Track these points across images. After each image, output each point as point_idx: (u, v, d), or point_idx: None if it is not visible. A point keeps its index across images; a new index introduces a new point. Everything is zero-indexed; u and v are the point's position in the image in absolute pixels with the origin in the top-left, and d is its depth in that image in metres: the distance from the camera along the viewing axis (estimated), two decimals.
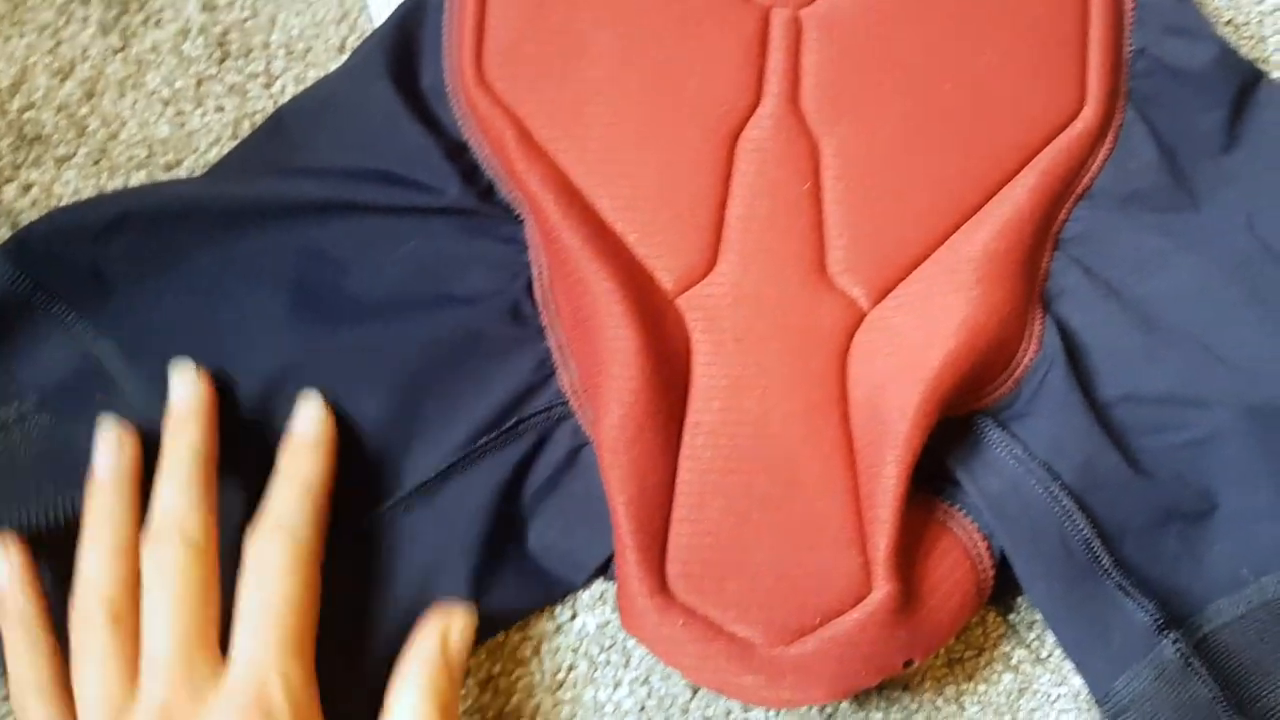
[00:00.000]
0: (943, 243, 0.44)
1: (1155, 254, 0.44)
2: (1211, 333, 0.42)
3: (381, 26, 0.49)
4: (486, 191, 0.46)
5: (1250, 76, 0.46)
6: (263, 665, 0.36)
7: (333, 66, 0.52)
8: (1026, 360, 0.43)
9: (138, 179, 0.51)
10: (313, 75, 0.53)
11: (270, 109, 0.53)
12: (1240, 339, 0.42)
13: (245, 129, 0.52)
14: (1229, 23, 0.51)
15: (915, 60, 0.45)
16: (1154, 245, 0.44)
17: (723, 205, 0.45)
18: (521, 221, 0.46)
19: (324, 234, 0.45)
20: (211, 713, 0.36)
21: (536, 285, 0.45)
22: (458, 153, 0.46)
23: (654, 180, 0.45)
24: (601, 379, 0.42)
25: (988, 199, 0.45)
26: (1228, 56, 0.45)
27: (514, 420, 0.43)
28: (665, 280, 0.44)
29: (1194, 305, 0.43)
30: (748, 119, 0.45)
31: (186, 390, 0.41)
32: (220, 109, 0.53)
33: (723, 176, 0.45)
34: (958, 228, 0.44)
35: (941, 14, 0.45)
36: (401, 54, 0.48)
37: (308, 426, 0.41)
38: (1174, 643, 0.39)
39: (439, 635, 0.38)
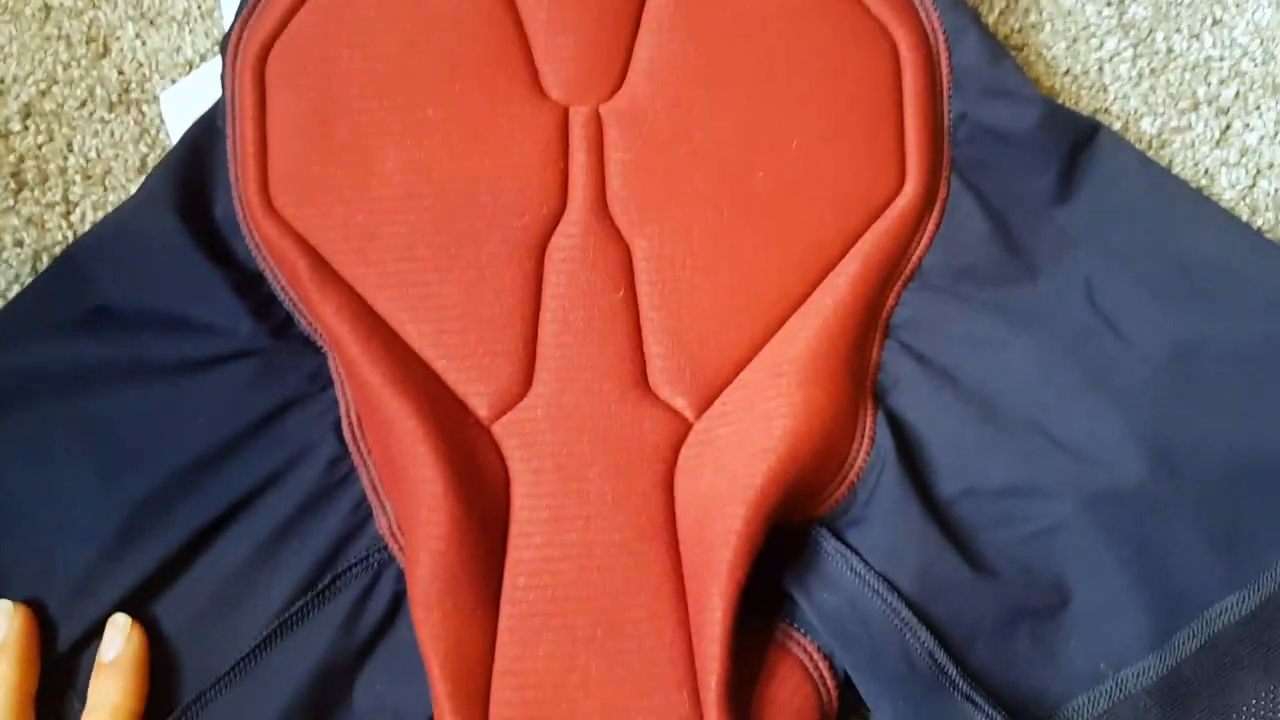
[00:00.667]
0: (766, 342, 0.42)
1: (990, 336, 0.42)
2: (1051, 418, 0.40)
3: (172, 150, 0.46)
4: (284, 325, 0.44)
5: (1084, 132, 0.44)
6: None
7: (134, 188, 0.49)
8: (859, 462, 0.41)
9: None
10: (113, 200, 0.50)
11: (70, 239, 0.50)
12: (1080, 424, 0.40)
13: (44, 263, 0.49)
14: (1067, 73, 0.49)
15: (724, 151, 0.43)
16: (988, 327, 0.42)
17: (535, 321, 0.42)
18: (325, 354, 0.43)
19: (115, 407, 0.42)
20: None
21: (345, 422, 0.42)
22: (251, 286, 0.44)
23: (460, 301, 0.42)
24: (411, 523, 0.39)
25: (811, 290, 0.43)
26: (1055, 115, 0.43)
27: (329, 577, 0.40)
28: (479, 407, 0.41)
29: (1032, 389, 0.41)
30: (554, 227, 0.43)
31: None
32: (19, 243, 0.50)
33: (532, 291, 0.43)
34: (781, 323, 0.42)
35: (748, 101, 0.43)
36: (192, 182, 0.45)
37: (113, 652, 0.39)
38: None
39: None
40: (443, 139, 0.43)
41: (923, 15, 0.43)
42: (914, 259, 0.43)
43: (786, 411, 0.40)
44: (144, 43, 0.52)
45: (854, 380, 0.41)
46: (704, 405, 0.41)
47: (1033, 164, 0.44)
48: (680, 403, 0.41)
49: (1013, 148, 0.44)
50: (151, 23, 0.53)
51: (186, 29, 0.52)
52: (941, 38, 0.43)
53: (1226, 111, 0.48)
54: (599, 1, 0.43)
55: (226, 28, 0.51)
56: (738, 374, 0.42)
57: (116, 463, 0.41)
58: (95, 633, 0.40)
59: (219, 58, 0.50)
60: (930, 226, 0.44)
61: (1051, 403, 0.41)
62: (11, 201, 0.51)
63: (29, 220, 0.50)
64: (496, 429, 0.41)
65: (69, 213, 0.50)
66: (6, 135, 0.51)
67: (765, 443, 0.39)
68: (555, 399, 0.41)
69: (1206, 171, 0.48)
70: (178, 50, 0.52)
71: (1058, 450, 0.40)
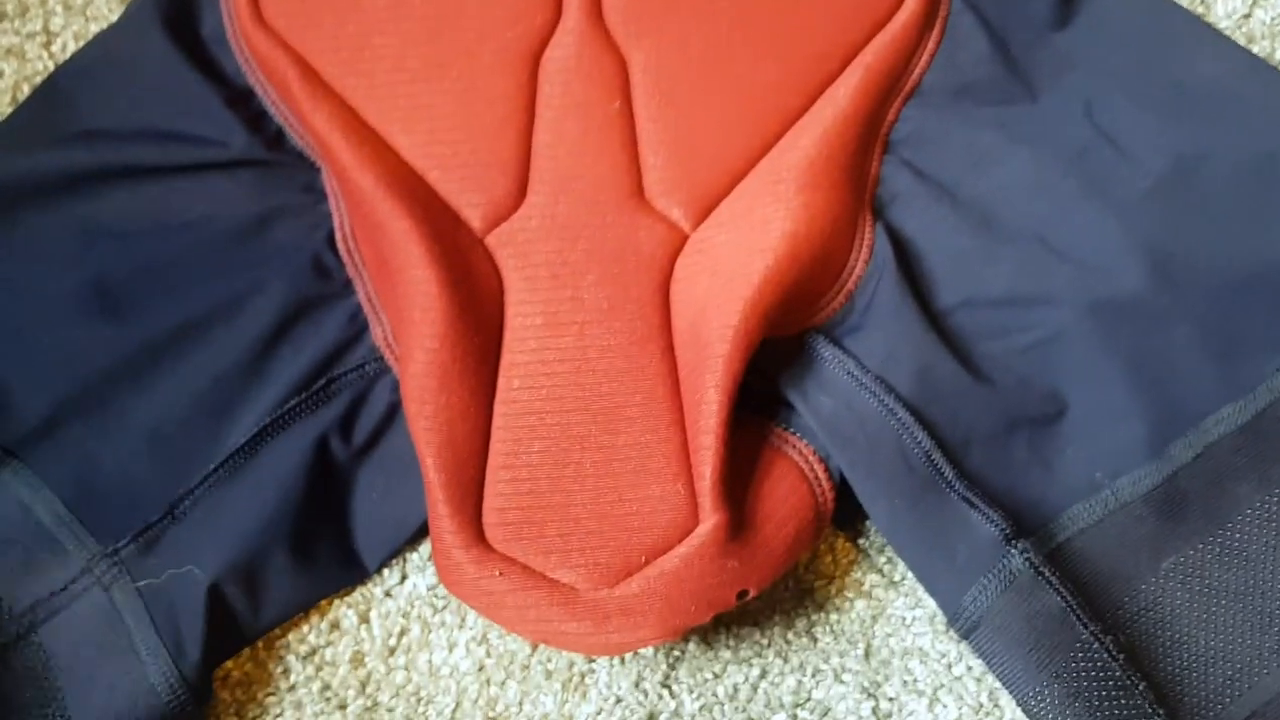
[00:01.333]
0: (765, 154, 0.41)
1: (989, 150, 0.41)
2: (1050, 228, 0.40)
3: None
4: (276, 139, 0.43)
5: None
6: None
7: (115, 18, 0.48)
8: (857, 272, 0.40)
9: None
10: (94, 29, 0.49)
11: (51, 69, 0.49)
12: (1079, 233, 0.40)
13: (25, 93, 0.48)
14: None
15: None
16: (988, 141, 0.41)
17: (528, 132, 0.42)
18: (319, 168, 0.42)
19: (105, 206, 0.41)
20: None
21: (339, 235, 0.42)
22: (242, 101, 0.43)
23: (451, 112, 0.41)
24: (405, 325, 0.39)
25: (810, 103, 0.42)
26: None
27: (324, 380, 0.40)
28: (472, 218, 0.41)
29: (1031, 200, 0.41)
30: (548, 38, 0.42)
31: None
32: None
33: (526, 102, 0.42)
34: (780, 136, 0.42)
35: None
36: (177, 1, 0.44)
37: None
38: (1022, 553, 0.37)
39: None
40: None
41: None
42: (914, 75, 0.43)
43: (784, 215, 0.39)
44: None
45: (853, 190, 0.41)
46: (701, 216, 0.41)
47: None
48: (677, 213, 0.41)
49: None
50: None
51: None
52: None
53: None
54: None
55: None
56: (735, 185, 0.41)
57: (103, 249, 0.40)
58: (71, 411, 0.39)
59: None
60: (931, 44, 0.43)
61: (1050, 213, 0.40)
62: None
63: (8, 51, 0.49)
64: (490, 239, 0.41)
65: (49, 43, 0.49)
66: None
67: (763, 244, 0.39)
68: (549, 209, 0.41)
69: (1204, 0, 0.47)
70: None
71: (1056, 259, 0.40)
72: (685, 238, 0.41)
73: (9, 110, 0.47)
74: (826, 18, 0.42)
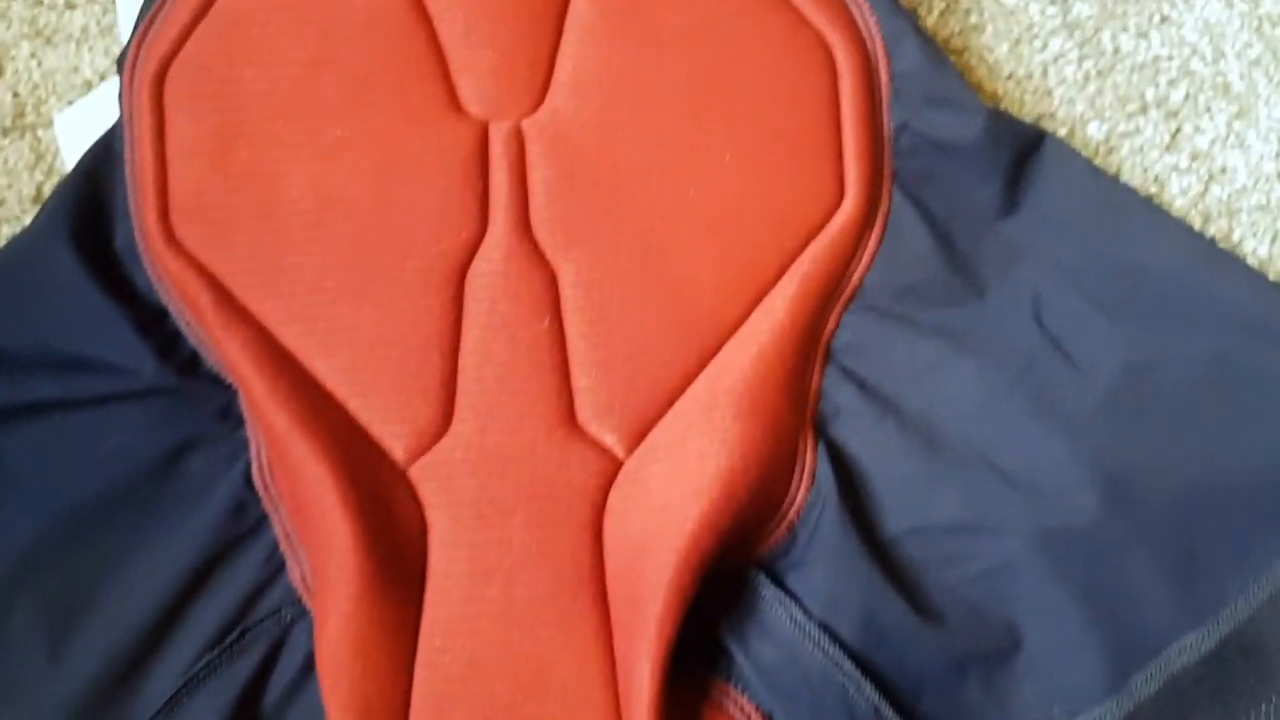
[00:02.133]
0: (699, 371, 0.40)
1: (933, 361, 0.40)
2: (997, 450, 0.38)
3: (67, 176, 0.43)
4: (190, 362, 0.41)
5: (1029, 140, 0.42)
6: None
7: (29, 219, 0.46)
8: (799, 501, 0.38)
9: None
10: (6, 232, 0.47)
11: None
12: (1028, 455, 0.38)
13: None
14: (1010, 76, 0.47)
15: (653, 167, 0.40)
16: (931, 351, 0.40)
17: (454, 355, 0.40)
18: (236, 391, 0.40)
19: (7, 445, 0.39)
20: None
21: (255, 465, 0.40)
22: (155, 322, 0.41)
23: (373, 334, 0.40)
24: (321, 575, 0.37)
25: (747, 313, 0.40)
26: (999, 124, 0.41)
27: (239, 630, 0.38)
28: (395, 449, 0.39)
29: (977, 419, 0.39)
30: (474, 251, 0.40)
31: None
32: None
33: (451, 321, 0.40)
34: (716, 351, 0.40)
35: (678, 113, 0.40)
36: (88, 210, 0.42)
37: None
38: None
39: None
40: (353, 161, 0.40)
41: (860, 21, 0.41)
42: (855, 278, 0.41)
43: (719, 449, 0.37)
44: (39, 63, 0.49)
45: (793, 411, 0.39)
46: (635, 441, 0.39)
47: (977, 175, 0.42)
48: (610, 439, 0.39)
49: (956, 159, 0.42)
50: (48, 40, 0.49)
51: (85, 46, 0.49)
52: (880, 44, 0.41)
53: (1176, 114, 0.46)
54: (517, 10, 0.41)
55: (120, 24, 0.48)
56: (670, 406, 0.39)
57: (6, 500, 0.38)
58: None
59: (115, 76, 0.48)
60: (871, 243, 0.41)
61: (998, 433, 0.39)
62: None
63: None
64: (413, 472, 0.39)
65: None
66: None
67: (697, 483, 0.37)
68: (476, 439, 0.39)
69: (1156, 178, 0.45)
70: (75, 70, 0.49)
71: (1006, 484, 0.38)
72: (619, 465, 0.39)
73: None
74: (762, 220, 0.40)
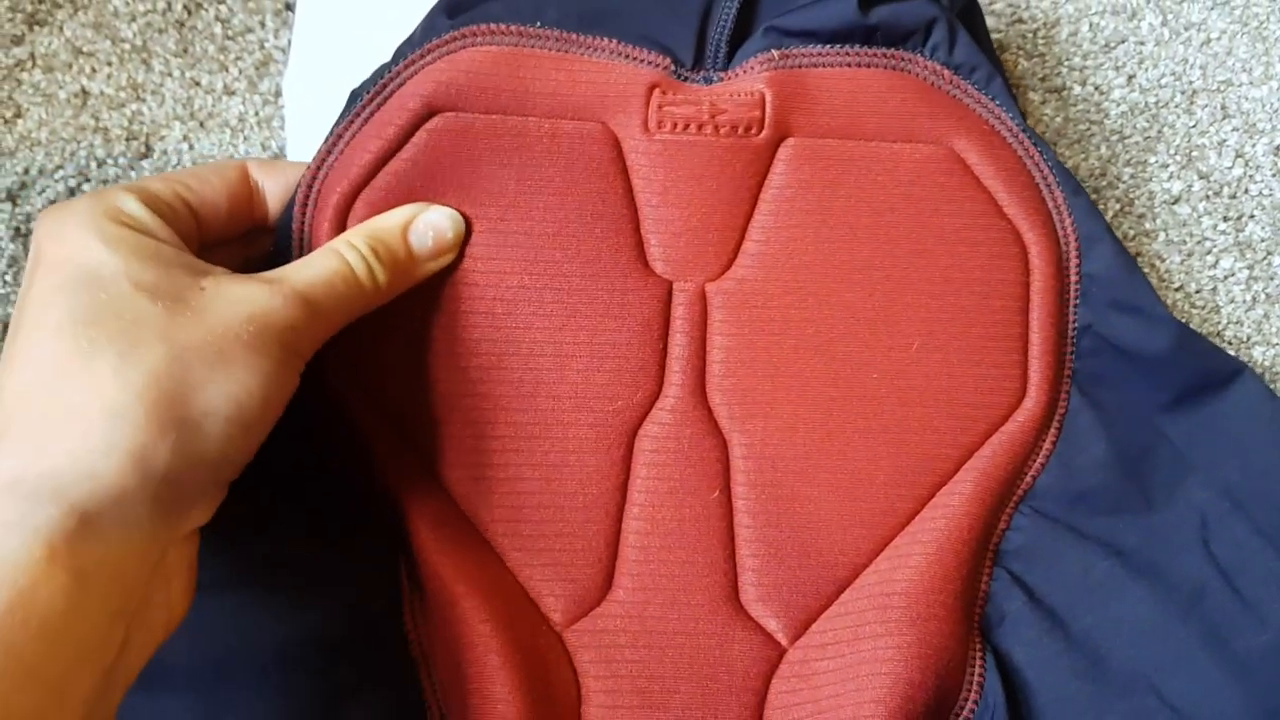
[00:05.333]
0: (869, 563, 0.39)
1: (1105, 580, 0.39)
2: (1165, 679, 0.37)
3: None
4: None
5: (1222, 372, 0.40)
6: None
7: None
8: (966, 710, 0.37)
9: None
10: None
11: None
12: (1195, 689, 0.37)
13: None
14: (1179, 288, 0.46)
15: (838, 346, 0.39)
16: (1103, 569, 0.39)
17: (619, 518, 0.39)
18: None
19: None
20: None
21: (407, 614, 0.38)
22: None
23: (538, 487, 0.38)
24: None
25: (920, 507, 0.39)
26: (1189, 342, 0.40)
27: None
28: (553, 609, 0.38)
29: (1146, 644, 0.38)
30: (646, 413, 0.39)
31: None
32: None
33: (619, 481, 0.39)
34: (886, 544, 0.39)
35: (867, 294, 0.40)
36: None
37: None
38: None
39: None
40: (535, 307, 0.39)
41: (1056, 220, 0.41)
42: (1027, 478, 0.40)
43: (895, 655, 0.36)
44: (191, 146, 0.48)
45: (965, 617, 0.38)
46: (799, 630, 0.38)
47: (1154, 384, 0.41)
48: (773, 624, 0.38)
49: (1137, 366, 0.41)
50: (201, 125, 0.48)
51: (241, 136, 0.48)
52: (1074, 244, 0.41)
53: None
54: (718, 174, 0.40)
55: (285, 141, 0.47)
56: (838, 596, 0.38)
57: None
58: None
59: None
60: (1047, 444, 0.40)
61: (1164, 661, 0.38)
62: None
63: None
64: (569, 636, 0.38)
65: None
66: (27, 235, 0.47)
67: (874, 691, 0.36)
68: (637, 610, 0.38)
69: None
70: (229, 159, 0.48)
71: (1172, 714, 0.37)
72: (781, 652, 0.38)
73: None
74: (943, 414, 0.40)
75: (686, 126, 0.39)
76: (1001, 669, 0.38)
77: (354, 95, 0.39)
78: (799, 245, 0.40)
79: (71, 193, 0.47)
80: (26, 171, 0.47)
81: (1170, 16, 0.51)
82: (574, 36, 0.39)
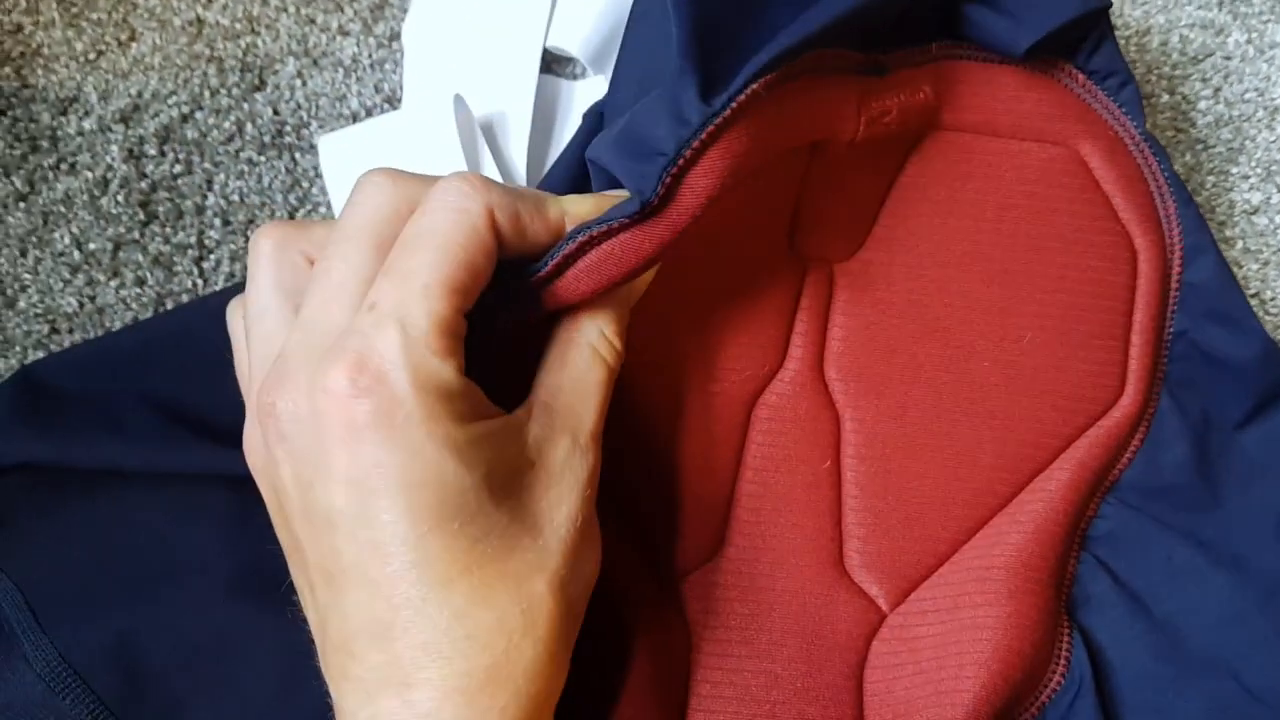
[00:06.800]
0: (967, 540, 0.40)
1: (1185, 568, 0.41)
2: (1244, 663, 0.40)
3: None
4: None
5: None
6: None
7: None
8: (1053, 684, 0.39)
9: (34, 359, 0.43)
10: None
11: (200, 291, 0.46)
12: (1271, 673, 0.40)
13: (166, 308, 0.45)
14: (1254, 295, 0.49)
15: (952, 333, 0.41)
16: (1184, 558, 0.41)
17: (733, 480, 0.40)
18: None
19: None
20: None
21: None
22: None
23: (667, 447, 0.40)
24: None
25: (1018, 492, 0.41)
26: (1273, 352, 0.43)
27: None
28: (669, 559, 0.39)
29: (1225, 630, 0.40)
30: (767, 384, 0.41)
31: None
32: (140, 282, 0.46)
33: (736, 446, 0.40)
34: (984, 523, 0.41)
35: (984, 285, 0.41)
36: None
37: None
38: None
39: None
40: (697, 284, 0.40)
41: (1165, 228, 0.42)
42: (1115, 471, 0.42)
43: (995, 623, 0.38)
44: (305, 82, 0.48)
45: (1057, 594, 0.40)
46: (900, 598, 0.40)
47: (1235, 391, 0.43)
48: (875, 590, 0.40)
49: (1222, 372, 0.43)
50: (315, 62, 0.48)
51: (354, 76, 0.48)
52: (1179, 253, 0.42)
53: None
54: (871, 166, 0.40)
55: (399, 83, 0.48)
56: (937, 568, 0.40)
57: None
58: None
59: (385, 113, 0.47)
60: (1136, 440, 0.43)
61: (1243, 647, 0.40)
62: (139, 234, 0.46)
63: (156, 259, 0.46)
64: (685, 587, 0.39)
65: (201, 259, 0.46)
66: (139, 158, 0.47)
67: (975, 653, 0.38)
68: (746, 567, 0.39)
69: None
70: (341, 99, 0.48)
71: (1251, 698, 0.39)
72: (882, 617, 0.40)
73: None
74: (1046, 404, 0.41)
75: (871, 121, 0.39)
76: (1086, 647, 0.40)
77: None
78: (925, 233, 0.41)
79: (185, 119, 0.47)
80: (140, 95, 0.47)
81: (1255, 35, 0.52)
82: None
